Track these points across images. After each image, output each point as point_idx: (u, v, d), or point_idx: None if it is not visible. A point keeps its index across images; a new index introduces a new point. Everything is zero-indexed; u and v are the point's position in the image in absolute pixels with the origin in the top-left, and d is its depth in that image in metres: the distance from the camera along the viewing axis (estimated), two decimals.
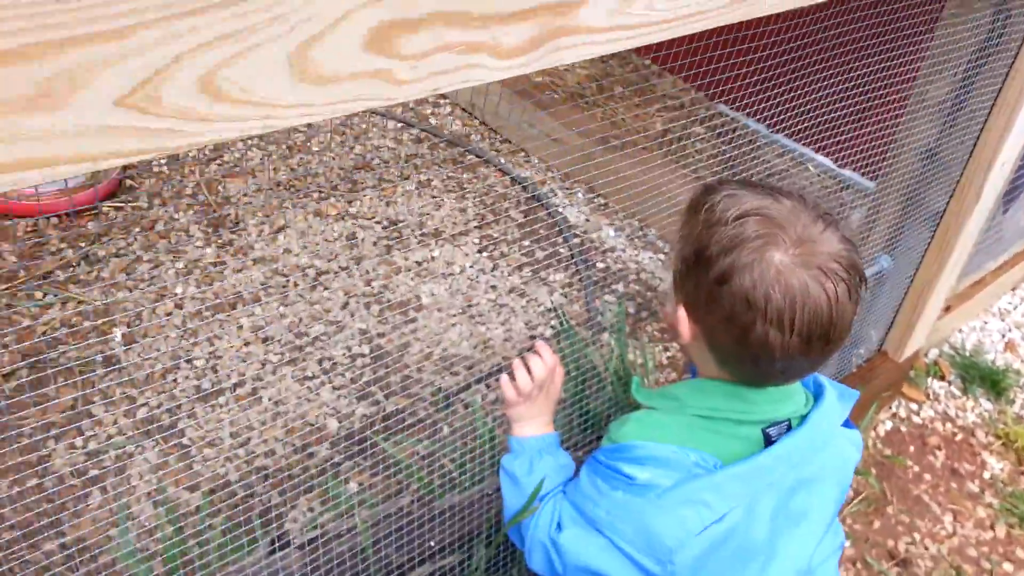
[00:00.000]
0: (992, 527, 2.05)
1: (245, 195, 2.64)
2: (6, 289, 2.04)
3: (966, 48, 1.63)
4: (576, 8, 0.61)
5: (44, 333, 1.94)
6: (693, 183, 3.06)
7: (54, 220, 2.30)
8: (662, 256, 2.71)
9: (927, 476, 2.15)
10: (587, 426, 1.73)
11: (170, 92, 0.37)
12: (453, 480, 1.61)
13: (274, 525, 1.62)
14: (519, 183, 2.99)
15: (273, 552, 1.14)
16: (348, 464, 1.80)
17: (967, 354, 2.52)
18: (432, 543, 1.29)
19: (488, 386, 2.08)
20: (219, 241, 2.40)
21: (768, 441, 0.96)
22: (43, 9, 0.31)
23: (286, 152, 2.92)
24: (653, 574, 0.92)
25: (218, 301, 2.18)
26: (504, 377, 1.16)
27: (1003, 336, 2.65)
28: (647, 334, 2.36)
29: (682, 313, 0.93)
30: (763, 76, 2.72)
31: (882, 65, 1.79)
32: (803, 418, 0.98)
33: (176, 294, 2.16)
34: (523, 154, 3.21)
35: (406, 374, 2.08)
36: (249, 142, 2.90)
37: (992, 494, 2.12)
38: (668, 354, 2.32)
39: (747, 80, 2.89)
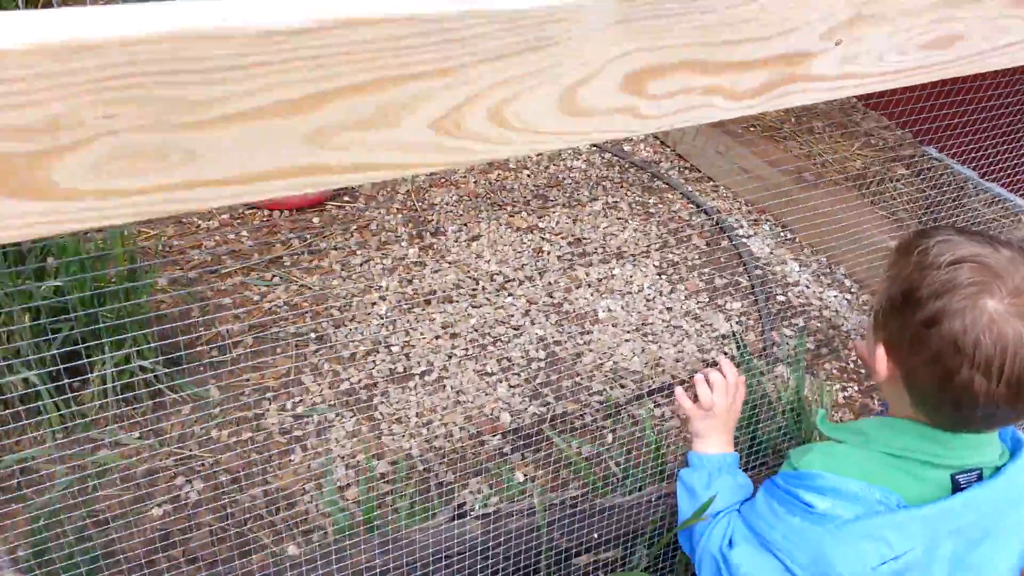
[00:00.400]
0: None
1: (447, 204, 2.83)
2: (241, 268, 2.32)
3: None
4: (809, 59, 0.65)
5: (269, 309, 2.19)
6: (891, 225, 2.90)
7: (285, 213, 2.58)
8: (849, 295, 2.60)
9: None
10: (755, 453, 1.70)
11: (468, 119, 0.47)
12: (616, 482, 1.64)
13: (444, 500, 1.72)
14: (704, 211, 2.97)
15: (456, 518, 1.23)
16: (516, 455, 1.88)
17: None
18: (596, 535, 1.34)
19: (656, 402, 2.09)
20: (421, 243, 2.58)
21: (956, 487, 0.93)
22: (391, 53, 0.42)
23: (486, 167, 3.08)
24: None
25: (416, 296, 2.35)
26: (679, 389, 1.20)
27: None
28: (825, 371, 2.27)
29: (881, 351, 0.92)
30: (979, 120, 2.55)
31: None
32: (997, 469, 0.95)
33: (381, 287, 2.36)
34: (711, 183, 3.19)
35: (577, 381, 2.14)
36: None
37: None
38: (845, 394, 2.22)
39: (960, 123, 2.71)
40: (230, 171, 0.40)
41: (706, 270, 2.64)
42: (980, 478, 0.93)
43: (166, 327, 1.93)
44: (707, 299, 2.51)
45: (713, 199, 3.07)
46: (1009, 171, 2.93)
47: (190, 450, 1.78)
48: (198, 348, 1.99)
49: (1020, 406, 0.86)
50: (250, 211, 2.57)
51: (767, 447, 1.76)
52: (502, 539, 1.23)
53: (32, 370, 1.62)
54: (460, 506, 1.29)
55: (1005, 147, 2.83)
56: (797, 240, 2.86)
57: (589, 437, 1.96)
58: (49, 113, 0.33)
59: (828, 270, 2.71)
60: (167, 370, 1.83)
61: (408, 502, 1.51)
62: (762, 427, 1.83)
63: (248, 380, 1.96)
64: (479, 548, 1.24)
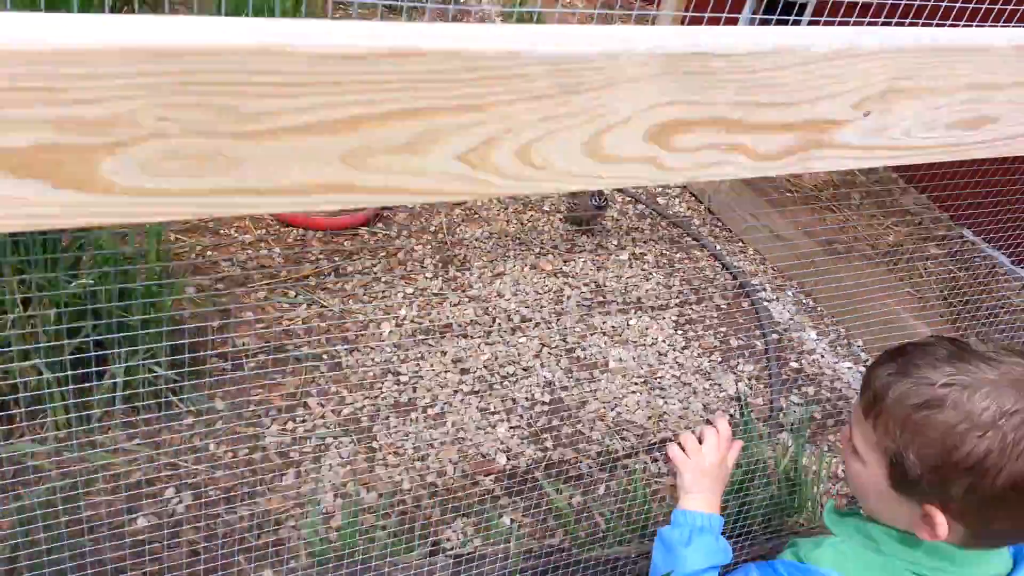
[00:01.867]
0: None
1: (476, 240, 2.73)
2: (267, 284, 2.25)
3: None
4: (837, 127, 0.62)
5: (287, 328, 2.11)
6: (916, 304, 2.72)
7: (319, 234, 2.52)
8: (862, 369, 2.42)
9: None
10: (743, 518, 1.56)
11: (495, 155, 0.46)
12: (601, 536, 1.51)
13: (424, 537, 1.60)
14: (729, 271, 2.82)
15: (430, 555, 1.12)
16: (506, 499, 1.75)
17: None
18: None
19: (654, 459, 1.94)
20: (445, 276, 2.49)
21: None
22: (425, 87, 0.41)
23: (521, 208, 2.99)
24: None
25: (432, 328, 2.25)
26: (673, 444, 1.10)
27: None
28: (828, 443, 2.10)
29: (939, 516, 0.79)
30: (1016, 203, 2.38)
31: None
32: None
33: (400, 315, 2.26)
34: (740, 244, 3.04)
35: (578, 429, 2.01)
36: None
37: None
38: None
39: (996, 205, 2.53)
40: (268, 182, 0.40)
41: (723, 330, 2.50)
42: None
43: (185, 339, 1.85)
44: (720, 359, 2.36)
45: (740, 260, 2.93)
46: None
47: (185, 462, 1.69)
48: (211, 361, 1.92)
49: None
50: (286, 229, 2.51)
51: (756, 514, 1.61)
52: None
53: (47, 364, 1.56)
54: (435, 543, 1.17)
55: None
56: (819, 309, 2.69)
57: (582, 487, 1.82)
58: (110, 111, 0.34)
59: (846, 342, 2.54)
60: (177, 380, 1.75)
61: (388, 537, 1.39)
62: (755, 493, 1.68)
63: (255, 397, 1.87)
64: None
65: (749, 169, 0.58)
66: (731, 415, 2.13)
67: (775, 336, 2.50)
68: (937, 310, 2.73)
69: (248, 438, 1.76)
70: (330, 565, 1.22)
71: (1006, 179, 2.43)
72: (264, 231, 2.47)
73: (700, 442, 1.08)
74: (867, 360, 2.46)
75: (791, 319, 2.61)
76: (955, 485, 0.76)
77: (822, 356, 2.45)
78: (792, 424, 2.10)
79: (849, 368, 2.42)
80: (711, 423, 1.11)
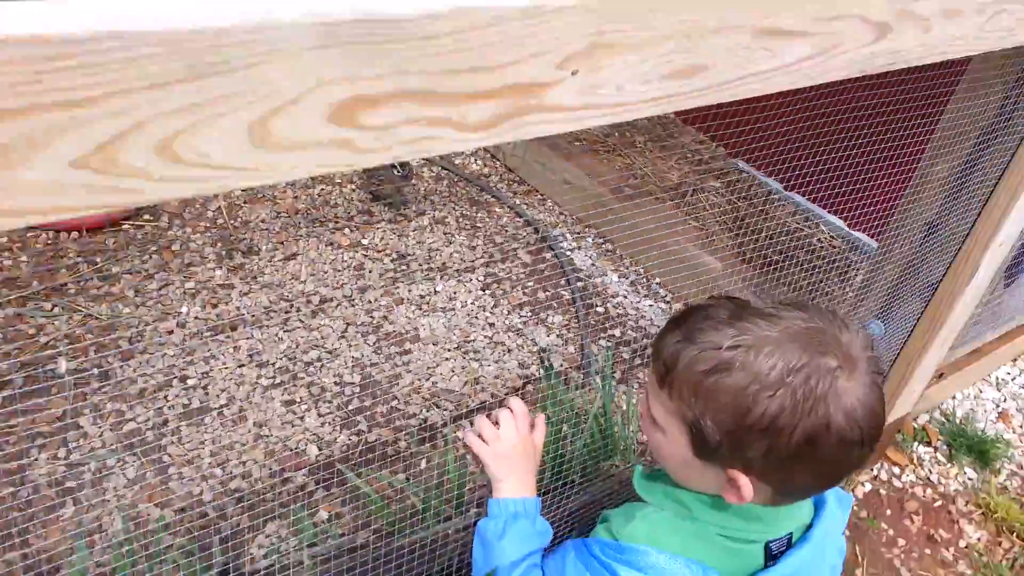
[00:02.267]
0: None
1: (263, 221, 2.62)
2: (17, 298, 2.03)
3: (975, 127, 1.53)
4: (544, 89, 0.61)
5: (46, 344, 1.92)
6: (702, 236, 2.97)
7: (74, 235, 2.29)
8: (663, 305, 2.62)
9: (901, 541, 2.02)
10: (560, 470, 1.64)
11: (125, 156, 0.40)
12: (420, 518, 1.53)
13: (237, 551, 1.55)
14: (531, 225, 2.93)
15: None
16: (321, 493, 1.73)
17: (957, 422, 2.38)
18: None
19: (471, 423, 2.00)
20: (231, 264, 2.37)
21: (768, 554, 0.89)
22: (13, 79, 0.34)
23: (309, 181, 2.90)
24: None
25: (220, 322, 2.14)
26: (469, 432, 1.09)
27: (997, 406, 2.49)
28: (637, 380, 2.27)
29: (742, 479, 0.82)
30: (781, 135, 2.65)
31: (896, 134, 1.71)
32: (808, 528, 0.92)
33: (180, 313, 2.13)
34: (538, 196, 3.15)
35: (393, 405, 2.02)
36: None
37: (967, 564, 1.97)
38: None
39: (766, 139, 2.81)
40: None
41: (530, 284, 2.59)
42: (790, 542, 0.90)
43: None
44: (530, 313, 2.46)
45: (540, 212, 3.04)
46: (807, 182, 3.08)
47: None
48: None
49: (860, 464, 0.85)
50: (32, 233, 2.26)
51: (574, 465, 1.71)
52: None
53: None
54: (235, 563, 1.13)
55: (803, 160, 2.96)
56: (617, 252, 2.87)
57: (403, 466, 1.84)
58: None
59: (645, 281, 2.73)
60: None
61: (182, 557, 1.33)
62: (569, 443, 1.78)
63: (15, 426, 1.69)
64: None
65: (460, 142, 0.55)
66: (545, 368, 2.23)
67: (580, 284, 2.64)
68: (723, 242, 3.01)
69: (11, 472, 1.60)
70: None
71: (769, 113, 2.69)
72: (6, 238, 2.21)
73: (497, 425, 1.07)
74: (666, 296, 2.67)
75: (593, 265, 2.76)
76: (753, 448, 0.78)
77: (625, 297, 2.62)
78: (600, 369, 2.23)
79: (651, 306, 2.61)
80: (504, 404, 1.10)
